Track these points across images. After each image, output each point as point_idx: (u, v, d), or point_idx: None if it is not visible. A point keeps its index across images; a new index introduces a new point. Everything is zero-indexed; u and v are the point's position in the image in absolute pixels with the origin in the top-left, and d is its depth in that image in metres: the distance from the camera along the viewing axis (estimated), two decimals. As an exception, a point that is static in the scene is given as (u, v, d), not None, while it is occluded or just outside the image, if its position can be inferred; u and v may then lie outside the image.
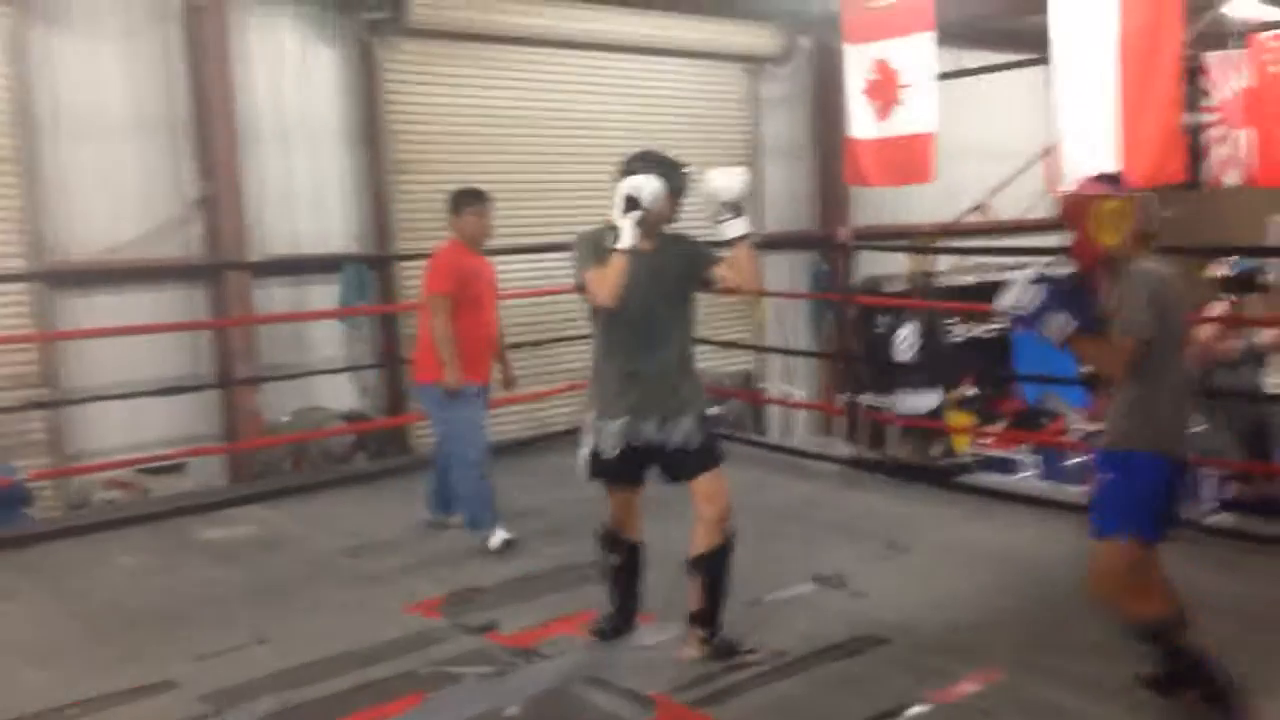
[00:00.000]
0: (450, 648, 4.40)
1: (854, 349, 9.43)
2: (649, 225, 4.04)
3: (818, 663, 4.19)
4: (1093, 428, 11.65)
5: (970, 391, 10.96)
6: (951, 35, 8.91)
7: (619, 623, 4.41)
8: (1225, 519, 5.69)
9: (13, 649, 4.53)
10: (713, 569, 4.20)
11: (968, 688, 3.93)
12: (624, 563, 4.36)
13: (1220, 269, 5.98)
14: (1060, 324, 3.51)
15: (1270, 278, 5.87)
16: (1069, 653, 4.16)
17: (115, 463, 6.96)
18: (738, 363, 10.42)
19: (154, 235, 7.52)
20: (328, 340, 8.19)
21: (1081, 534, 5.56)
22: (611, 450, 4.12)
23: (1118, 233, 3.54)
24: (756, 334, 10.79)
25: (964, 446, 10.49)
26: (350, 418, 8.02)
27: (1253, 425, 5.96)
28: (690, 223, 4.29)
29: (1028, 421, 11.12)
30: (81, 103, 7.22)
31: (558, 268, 8.20)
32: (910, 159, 7.83)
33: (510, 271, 7.30)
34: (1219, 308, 5.88)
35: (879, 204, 11.05)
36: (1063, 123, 7.02)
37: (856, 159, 8.18)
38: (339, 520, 6.25)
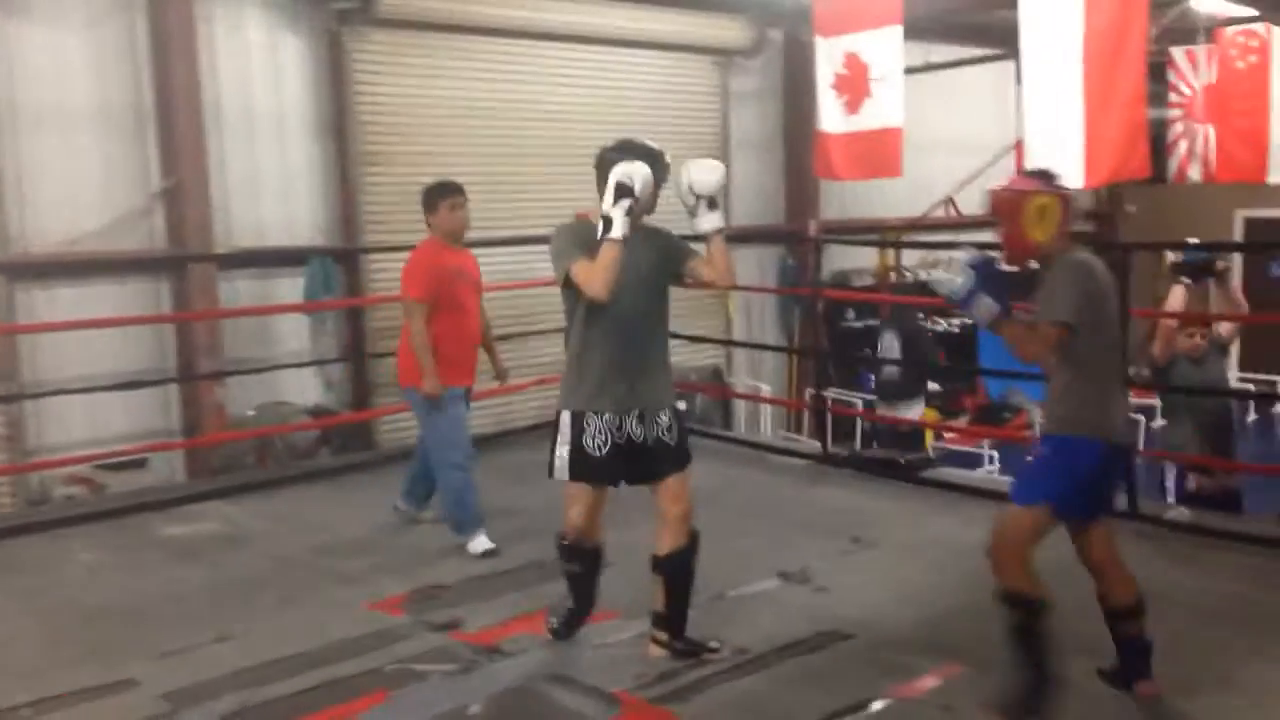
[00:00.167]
0: (413, 645, 4.37)
1: (821, 344, 9.45)
2: (636, 215, 3.96)
3: (781, 658, 4.20)
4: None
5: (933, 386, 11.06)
6: (920, 29, 8.96)
7: (575, 622, 4.35)
8: (1184, 513, 5.74)
9: (-31, 647, 4.47)
10: (679, 569, 4.17)
11: (929, 682, 3.96)
12: (587, 569, 4.28)
13: (1174, 255, 6.05)
14: (988, 307, 3.66)
15: (1222, 265, 5.92)
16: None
17: (75, 458, 6.87)
18: (706, 357, 10.43)
19: (117, 227, 7.44)
20: (293, 334, 8.13)
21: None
22: (600, 448, 4.01)
23: (1046, 228, 3.66)
24: (724, 329, 10.80)
25: (929, 442, 10.56)
26: (315, 412, 7.96)
27: (1214, 419, 6.02)
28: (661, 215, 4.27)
29: (991, 417, 11.21)
30: (43, 93, 7.11)
31: (526, 261, 8.19)
32: (879, 153, 7.86)
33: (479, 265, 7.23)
34: (1178, 297, 5.93)
35: (847, 198, 11.09)
36: (1030, 118, 7.06)
37: (826, 152, 8.20)
38: (303, 516, 6.20)
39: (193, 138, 7.51)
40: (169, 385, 7.53)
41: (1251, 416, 12.51)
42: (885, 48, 7.70)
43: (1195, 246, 6.37)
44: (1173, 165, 9.54)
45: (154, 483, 7.18)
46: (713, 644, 4.23)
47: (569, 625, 4.36)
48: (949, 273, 3.70)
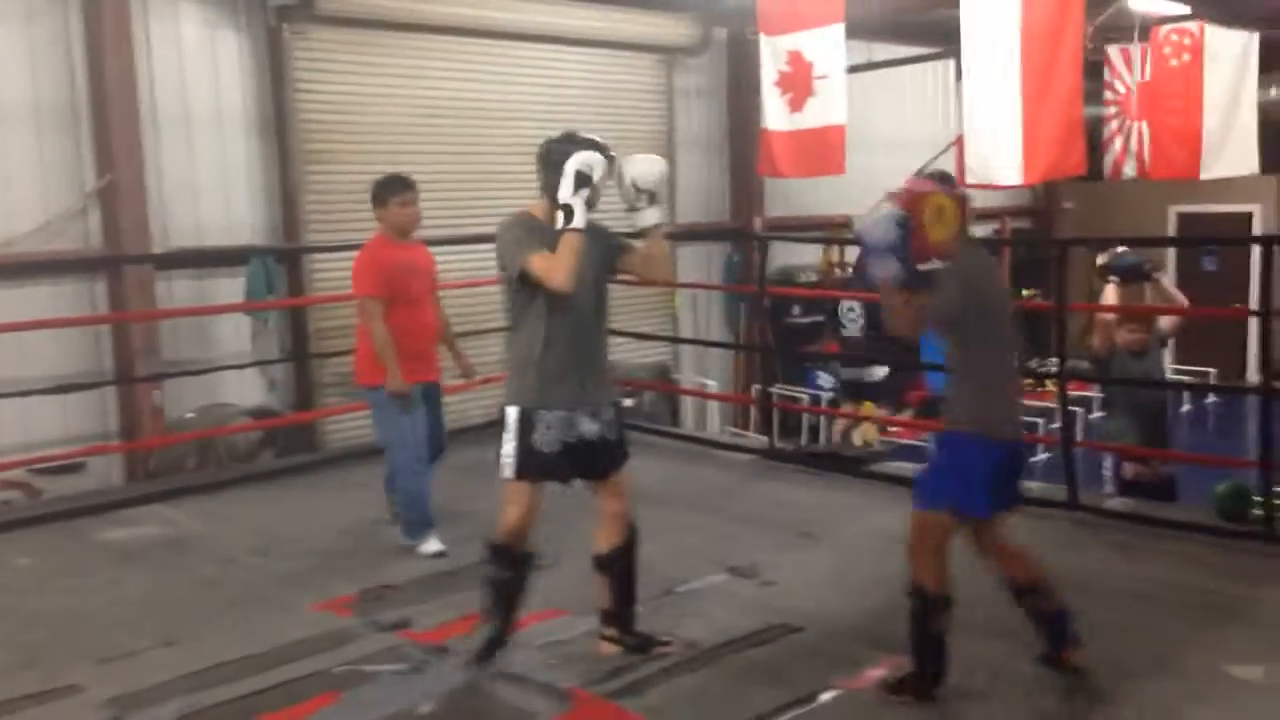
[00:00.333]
0: (363, 646, 4.34)
1: (767, 340, 9.52)
2: (591, 206, 3.91)
3: (730, 652, 4.22)
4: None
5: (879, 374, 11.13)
6: (863, 28, 9.04)
7: (500, 642, 4.08)
8: (1122, 502, 5.85)
9: (-98, 658, 4.36)
10: (622, 564, 4.16)
11: (877, 674, 3.99)
12: (518, 576, 4.06)
13: (1102, 258, 6.18)
14: (889, 267, 3.75)
15: (1150, 267, 6.07)
16: (975, 637, 4.23)
17: (10, 463, 6.71)
18: (652, 354, 10.44)
19: (51, 228, 7.28)
20: (234, 335, 8.01)
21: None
22: (551, 445, 3.92)
23: (945, 228, 3.76)
24: (671, 326, 10.83)
25: (873, 435, 10.66)
26: (257, 414, 7.86)
27: (1151, 410, 6.14)
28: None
29: (935, 410, 11.32)
30: (-27, 90, 6.96)
31: (473, 260, 8.15)
32: (822, 151, 7.93)
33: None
34: (1111, 295, 6.05)
35: (791, 195, 11.16)
36: (969, 115, 7.16)
37: (770, 150, 8.26)
38: (246, 519, 6.12)
39: (128, 135, 7.37)
40: (106, 388, 7.39)
41: (1185, 407, 12.79)
42: (828, 46, 7.77)
43: (1127, 241, 6.49)
44: (1108, 162, 9.72)
45: (91, 486, 7.04)
46: (663, 638, 4.23)
47: (492, 646, 4.07)
48: (873, 222, 3.81)
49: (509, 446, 3.94)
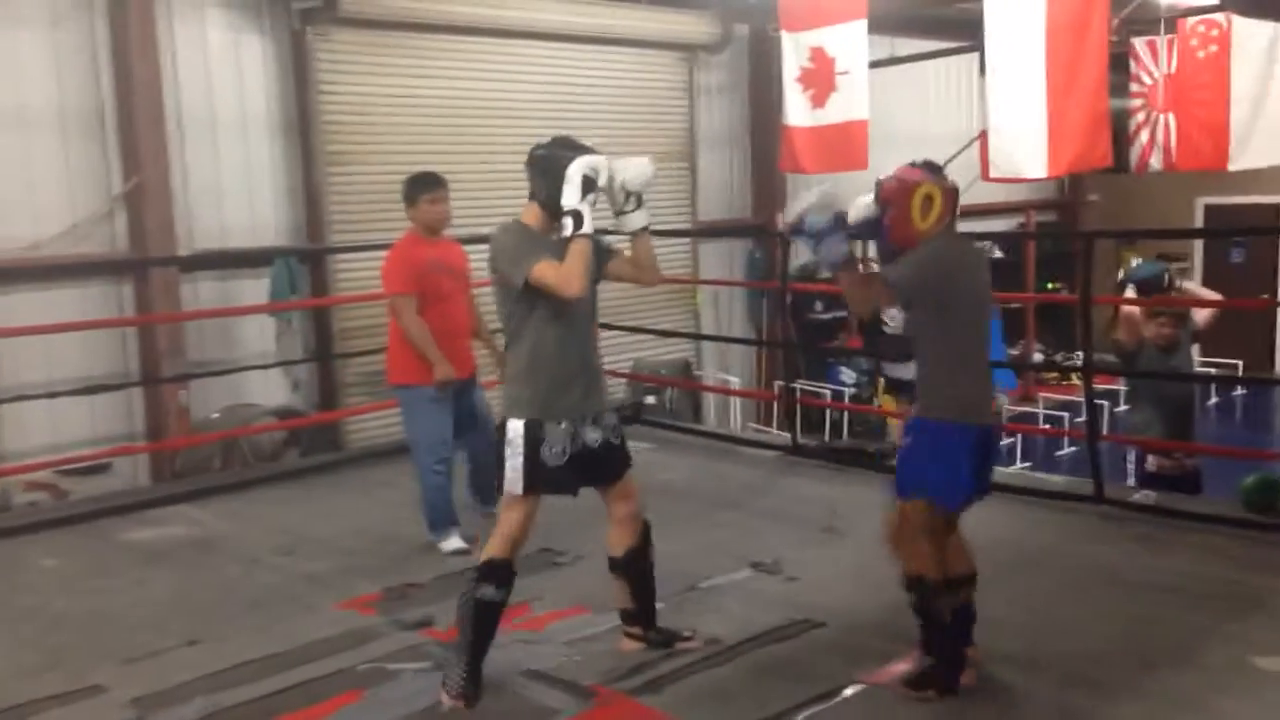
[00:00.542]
0: (386, 644, 4.35)
1: (790, 336, 9.48)
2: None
3: (753, 648, 4.21)
4: (1021, 409, 11.90)
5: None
6: (885, 23, 9.00)
7: (479, 673, 3.84)
8: (1147, 496, 5.81)
9: (-68, 657, 4.41)
10: (639, 565, 4.13)
11: (901, 668, 3.96)
12: (505, 598, 3.86)
13: (1120, 272, 6.19)
14: (840, 248, 3.81)
15: (1169, 277, 6.05)
16: (999, 631, 4.21)
17: (37, 464, 6.79)
18: (674, 351, 10.43)
19: (78, 231, 7.35)
20: (258, 336, 8.06)
21: (1012, 516, 5.71)
22: (558, 459, 3.82)
23: (930, 217, 3.78)
24: (693, 323, 10.82)
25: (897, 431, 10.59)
26: (281, 414, 7.90)
27: (1176, 403, 6.10)
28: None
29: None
30: (2, 95, 7.02)
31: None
32: (845, 146, 7.89)
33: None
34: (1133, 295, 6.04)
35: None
36: (993, 109, 7.10)
37: (791, 147, 8.22)
38: (270, 518, 6.14)
39: (154, 139, 7.43)
40: (132, 389, 7.45)
41: (1212, 400, 12.67)
42: (850, 42, 7.73)
43: (1153, 234, 6.45)
44: (1134, 154, 9.61)
45: (118, 487, 7.09)
46: (686, 633, 4.22)
47: (475, 673, 3.83)
48: (811, 206, 3.85)
49: (515, 461, 3.80)
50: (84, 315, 7.20)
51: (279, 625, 4.57)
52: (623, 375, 9.45)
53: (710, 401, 10.63)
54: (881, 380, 11.08)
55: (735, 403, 10.78)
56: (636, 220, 3.97)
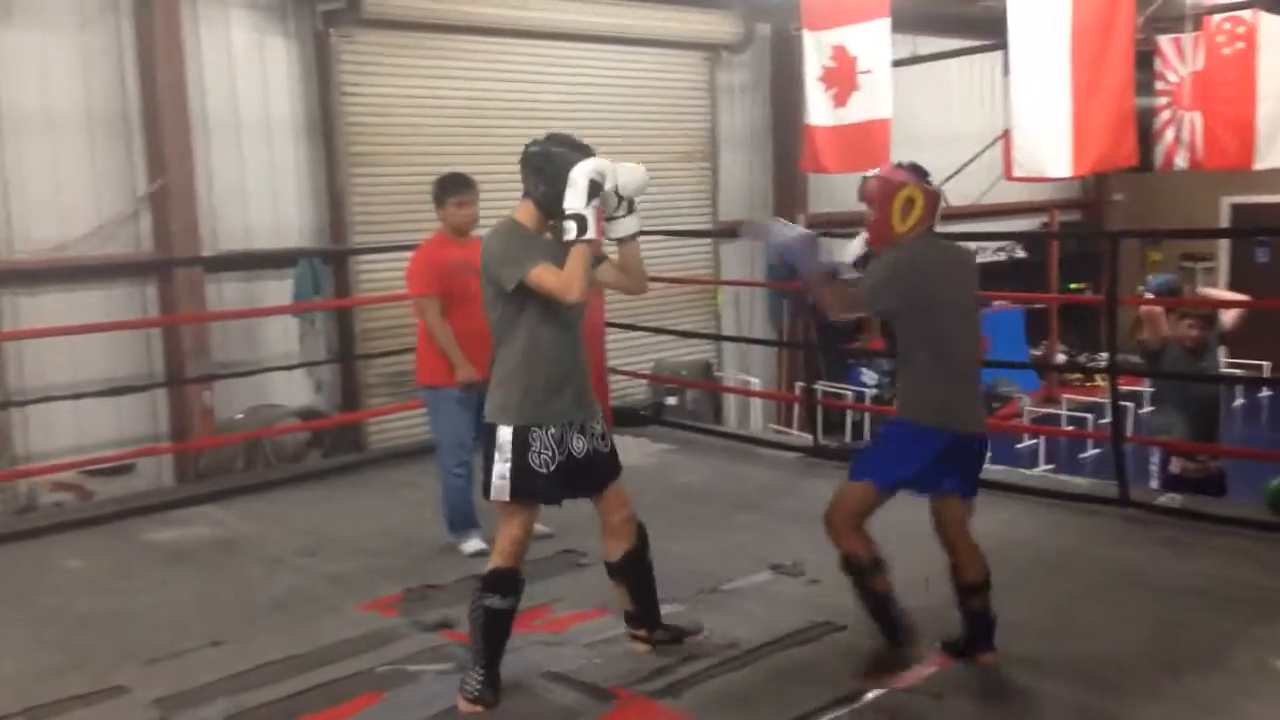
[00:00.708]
0: (406, 646, 4.35)
1: (811, 337, 9.46)
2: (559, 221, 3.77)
3: (774, 651, 4.19)
4: (1044, 411, 11.83)
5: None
6: (907, 21, 8.96)
7: (497, 679, 3.84)
8: (1172, 498, 5.76)
9: (-43, 656, 4.44)
10: (637, 569, 4.07)
11: (923, 671, 3.95)
12: (515, 604, 3.85)
13: (1140, 287, 6.18)
14: (815, 266, 3.87)
15: (1184, 286, 6.04)
16: (1021, 634, 4.19)
17: (63, 465, 6.85)
18: (695, 352, 10.42)
19: (103, 232, 7.41)
20: (281, 336, 8.11)
21: (1035, 518, 5.68)
22: (546, 465, 3.74)
23: (910, 220, 3.78)
24: (714, 323, 10.80)
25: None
26: (304, 415, 7.94)
27: (1201, 405, 6.05)
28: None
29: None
30: (28, 97, 7.09)
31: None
32: (867, 145, 7.86)
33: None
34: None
35: (836, 191, 11.08)
36: (1017, 107, 7.06)
37: (813, 146, 8.20)
38: (293, 519, 6.17)
39: (179, 141, 7.49)
40: (156, 390, 7.50)
41: (1238, 401, 12.56)
42: (873, 40, 7.70)
43: (1178, 234, 6.43)
44: (1159, 153, 9.54)
45: (142, 488, 7.14)
46: (692, 628, 4.20)
47: (491, 679, 3.83)
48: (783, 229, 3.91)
49: (503, 467, 3.73)
50: (109, 316, 7.26)
51: (301, 626, 4.59)
52: (643, 376, 9.44)
53: (730, 402, 10.62)
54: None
55: (756, 404, 10.76)
56: (628, 226, 3.86)
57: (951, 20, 10.77)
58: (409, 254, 5.63)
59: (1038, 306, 12.97)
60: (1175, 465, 6.08)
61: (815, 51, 8.04)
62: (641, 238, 4.00)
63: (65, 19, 7.22)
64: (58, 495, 6.94)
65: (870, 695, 3.81)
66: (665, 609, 4.55)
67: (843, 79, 7.93)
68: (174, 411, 7.61)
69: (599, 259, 3.94)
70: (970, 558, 3.93)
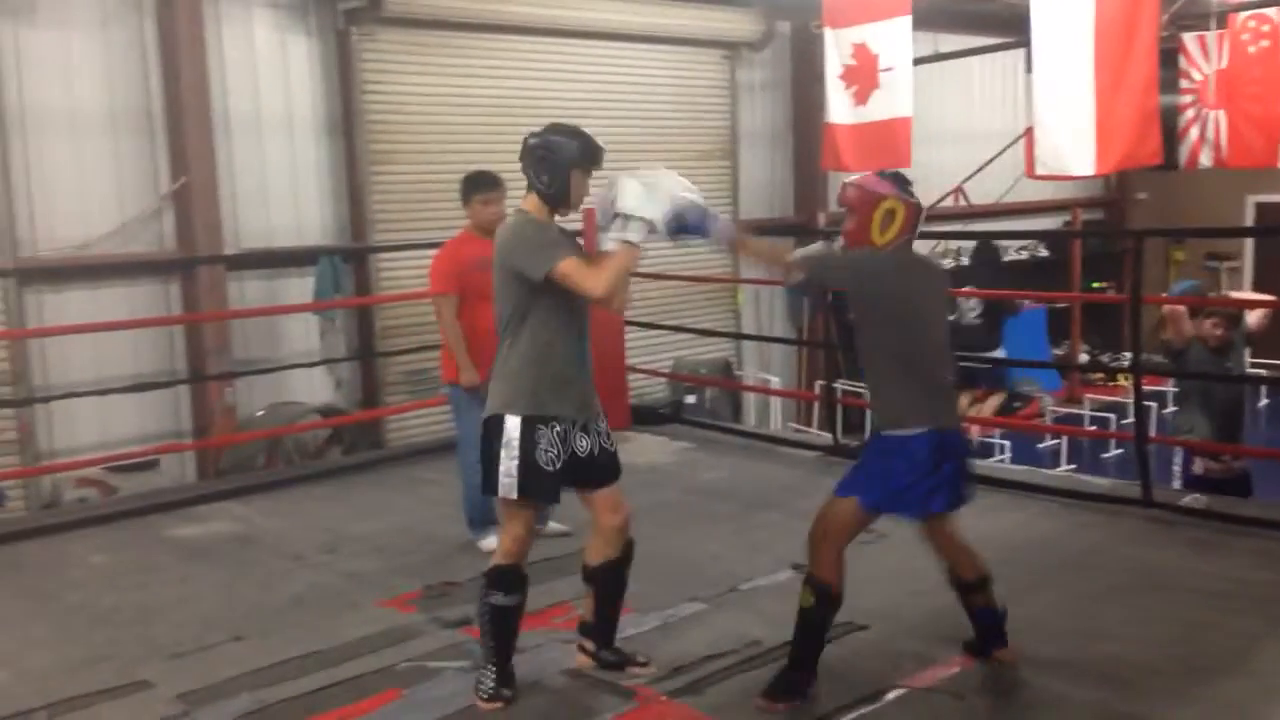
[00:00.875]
0: (426, 643, 4.36)
1: (831, 335, 9.42)
2: (565, 211, 3.78)
3: (795, 651, 4.17)
4: (1066, 410, 11.76)
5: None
6: (929, 19, 8.92)
7: (510, 677, 3.85)
8: (1196, 499, 5.72)
9: (-18, 651, 4.48)
10: (612, 579, 3.97)
11: (943, 671, 3.94)
12: (521, 601, 3.83)
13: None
14: (726, 225, 3.86)
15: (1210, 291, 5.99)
16: (1043, 635, 4.17)
17: (86, 461, 6.89)
18: (714, 350, 10.41)
19: (126, 230, 7.46)
20: (302, 334, 8.14)
21: (1057, 518, 5.65)
22: (553, 463, 3.70)
23: (889, 232, 3.72)
24: (734, 322, 10.79)
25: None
26: (325, 412, 7.97)
27: (1225, 405, 6.01)
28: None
29: (1002, 406, 11.15)
30: (53, 96, 7.15)
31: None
32: (888, 144, 7.82)
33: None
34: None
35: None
36: (1040, 105, 7.01)
37: (834, 144, 8.16)
38: (313, 516, 6.20)
39: (201, 139, 7.53)
40: (179, 387, 7.55)
41: (1263, 401, 12.45)
42: (894, 38, 7.66)
43: (1203, 233, 6.38)
44: (1184, 151, 9.46)
45: (165, 484, 7.19)
46: (641, 658, 4.06)
47: (504, 676, 3.83)
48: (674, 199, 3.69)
49: (510, 464, 3.68)
50: (133, 314, 7.32)
51: (322, 622, 4.60)
52: (663, 374, 9.44)
53: (750, 401, 10.60)
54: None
55: (775, 402, 10.74)
56: (629, 236, 3.68)
57: (973, 17, 10.73)
58: (429, 252, 5.65)
59: (1060, 305, 12.90)
60: (1198, 465, 6.03)
61: (836, 49, 8.00)
62: (659, 237, 3.89)
63: (88, 18, 7.26)
64: (82, 491, 6.99)
65: (892, 695, 3.81)
66: (687, 608, 4.57)
67: (864, 77, 7.89)
68: (196, 408, 7.66)
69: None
70: (963, 558, 3.90)
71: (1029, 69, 7.16)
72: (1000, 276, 10.81)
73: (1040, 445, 10.63)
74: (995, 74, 12.28)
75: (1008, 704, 3.76)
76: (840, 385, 9.83)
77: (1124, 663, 3.98)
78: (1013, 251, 12.94)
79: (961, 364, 10.39)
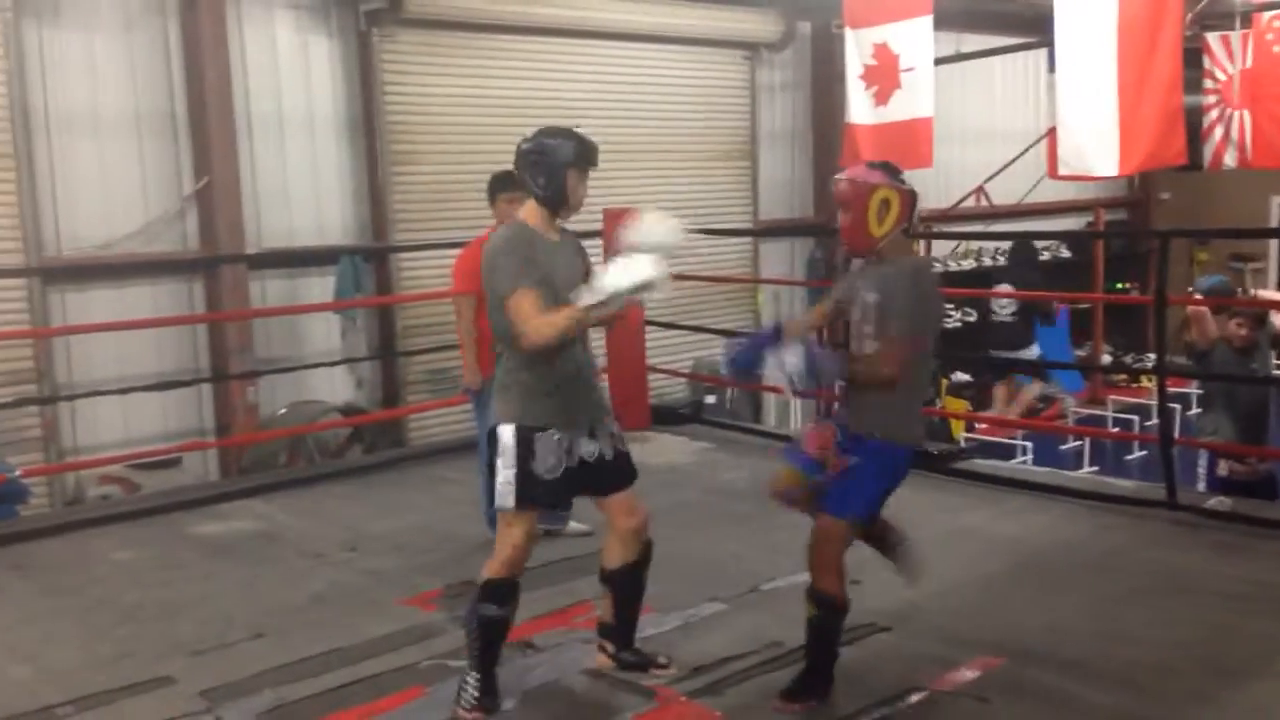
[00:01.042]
0: (448, 641, 4.36)
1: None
2: (566, 214, 3.73)
3: (816, 652, 4.16)
4: (1089, 412, 11.68)
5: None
6: (950, 19, 8.89)
7: (494, 689, 3.77)
8: (1221, 502, 5.67)
9: (5, 647, 4.51)
10: (630, 582, 3.93)
11: (966, 674, 3.92)
12: (512, 613, 3.77)
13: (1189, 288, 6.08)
14: (831, 364, 3.65)
15: (1236, 288, 5.94)
16: (1065, 636, 4.15)
17: (110, 458, 6.94)
18: (736, 351, 10.38)
19: (150, 229, 7.51)
20: (324, 333, 8.17)
21: (1080, 520, 5.61)
22: (553, 472, 3.63)
23: (887, 223, 3.63)
24: (754, 322, 10.77)
25: (959, 432, 10.47)
26: (346, 411, 8.00)
27: (1250, 407, 5.96)
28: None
29: (1030, 407, 11.07)
30: (77, 97, 7.20)
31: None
32: (909, 144, 7.78)
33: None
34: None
35: (877, 190, 11.02)
36: (1063, 105, 6.98)
37: (855, 145, 8.14)
38: (335, 514, 6.22)
39: (224, 140, 7.57)
40: (202, 385, 7.59)
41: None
42: (915, 38, 7.64)
43: (1227, 233, 6.33)
44: (1208, 151, 9.40)
45: (187, 482, 7.23)
46: (662, 659, 4.03)
47: (488, 686, 3.76)
48: (779, 366, 3.69)
49: (508, 473, 3.63)
50: (156, 312, 7.37)
51: (343, 620, 4.62)
52: (683, 375, 9.44)
53: (771, 401, 10.58)
54: (945, 381, 10.96)
55: (795, 403, 10.70)
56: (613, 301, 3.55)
57: (995, 17, 10.68)
58: (449, 251, 5.67)
59: (1083, 306, 12.83)
60: (1223, 467, 6.00)
61: (857, 49, 7.98)
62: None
63: (112, 20, 7.31)
64: (105, 488, 7.04)
65: (913, 698, 3.79)
66: (708, 608, 4.57)
67: (884, 77, 7.87)
68: (219, 407, 7.70)
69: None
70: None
71: (1051, 68, 7.13)
72: (1038, 275, 10.68)
73: (1063, 447, 10.57)
74: (1017, 74, 12.23)
75: (1030, 707, 3.74)
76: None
77: (1148, 666, 3.96)
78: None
79: (993, 359, 10.33)
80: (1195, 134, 8.79)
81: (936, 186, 10.92)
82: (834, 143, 9.49)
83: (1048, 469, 7.73)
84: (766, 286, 10.71)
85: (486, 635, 3.73)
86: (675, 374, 9.24)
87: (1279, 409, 6.61)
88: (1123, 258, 13.27)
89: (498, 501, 3.69)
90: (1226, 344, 5.92)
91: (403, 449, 8.05)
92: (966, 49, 10.31)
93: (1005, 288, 10.07)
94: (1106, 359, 13.13)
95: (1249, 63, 8.88)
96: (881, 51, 7.81)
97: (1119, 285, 13.36)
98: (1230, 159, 9.23)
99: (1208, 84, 9.26)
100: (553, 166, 3.63)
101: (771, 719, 3.72)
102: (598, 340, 6.16)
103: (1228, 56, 9.18)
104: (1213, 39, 9.13)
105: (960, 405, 10.97)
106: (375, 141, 8.33)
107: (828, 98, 10.58)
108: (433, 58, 8.65)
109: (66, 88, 7.15)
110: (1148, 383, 11.41)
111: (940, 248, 11.54)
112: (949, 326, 11.42)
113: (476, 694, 3.73)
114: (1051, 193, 11.45)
